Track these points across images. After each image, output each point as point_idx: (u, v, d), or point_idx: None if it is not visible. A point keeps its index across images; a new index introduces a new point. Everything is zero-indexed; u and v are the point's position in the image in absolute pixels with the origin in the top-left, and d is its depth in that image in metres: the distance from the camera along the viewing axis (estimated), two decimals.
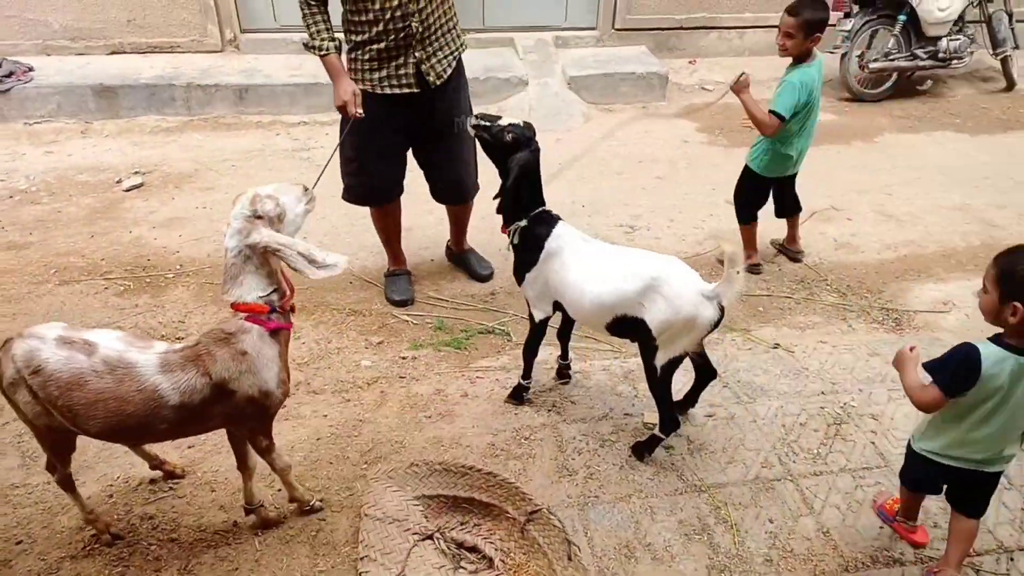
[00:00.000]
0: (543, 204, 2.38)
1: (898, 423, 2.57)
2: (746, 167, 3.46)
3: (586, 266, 2.25)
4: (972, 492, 1.90)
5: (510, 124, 2.31)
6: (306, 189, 1.98)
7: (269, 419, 1.94)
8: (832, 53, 5.75)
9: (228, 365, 1.75)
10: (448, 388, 2.76)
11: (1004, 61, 5.96)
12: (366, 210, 3.28)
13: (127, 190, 4.23)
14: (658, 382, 2.24)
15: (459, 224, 3.49)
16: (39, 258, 3.57)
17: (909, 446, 1.97)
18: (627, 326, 2.21)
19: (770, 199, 3.55)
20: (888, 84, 5.82)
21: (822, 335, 3.13)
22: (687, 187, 4.46)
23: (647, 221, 4.06)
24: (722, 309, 2.13)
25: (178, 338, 3.02)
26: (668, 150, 4.97)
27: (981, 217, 4.15)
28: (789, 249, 3.71)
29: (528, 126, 2.34)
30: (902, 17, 5.51)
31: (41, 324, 1.78)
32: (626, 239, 3.86)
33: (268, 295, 1.82)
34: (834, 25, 5.70)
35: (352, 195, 3.17)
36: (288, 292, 1.90)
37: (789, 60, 3.19)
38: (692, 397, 2.51)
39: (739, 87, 3.15)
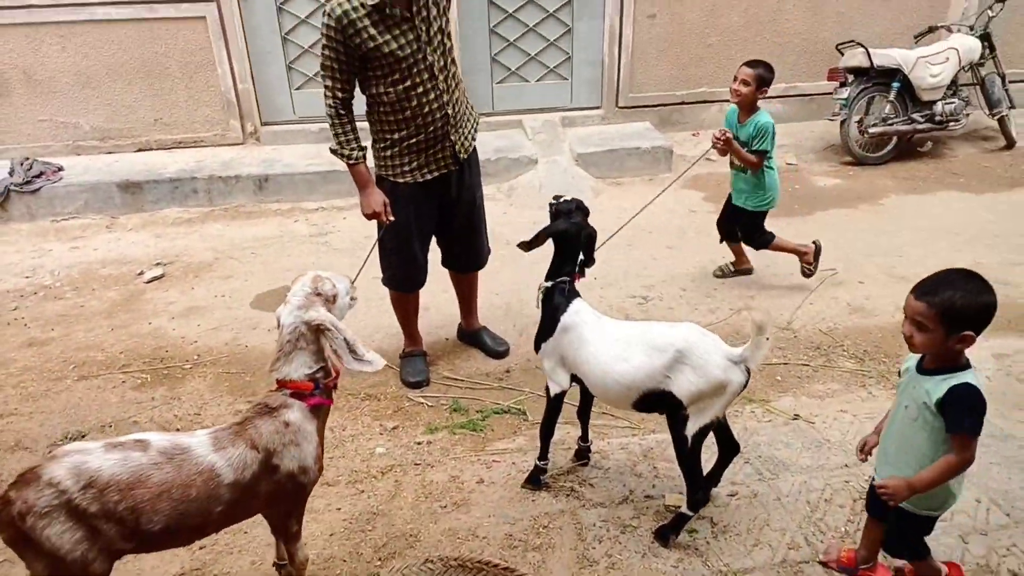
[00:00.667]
0: (569, 275, 2.44)
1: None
2: (741, 210, 3.97)
3: (606, 346, 2.27)
4: None
5: (563, 200, 2.55)
6: (352, 283, 2.10)
7: (304, 500, 1.94)
8: (831, 120, 5.91)
9: (273, 437, 1.78)
10: (464, 474, 2.73)
11: (1001, 121, 6.06)
12: (382, 291, 3.34)
13: (148, 281, 4.35)
14: (688, 453, 2.21)
15: (468, 298, 3.54)
16: (59, 354, 3.64)
17: (924, 520, 1.93)
18: (654, 400, 2.21)
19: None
20: (889, 147, 5.93)
21: (842, 403, 3.08)
22: (698, 256, 4.50)
23: (659, 292, 4.08)
24: (748, 372, 2.15)
25: (192, 431, 3.03)
26: (677, 220, 5.05)
27: (994, 276, 4.03)
28: (741, 269, 4.23)
29: (572, 201, 2.53)
30: (896, 84, 5.67)
31: (64, 447, 1.71)
32: (640, 310, 3.88)
33: (314, 372, 1.87)
34: (831, 94, 5.89)
35: (397, 283, 3.22)
36: (334, 371, 1.93)
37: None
38: (716, 475, 2.46)
39: (723, 148, 3.70)
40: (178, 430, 3.03)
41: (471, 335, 3.61)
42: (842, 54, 5.83)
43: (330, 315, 1.87)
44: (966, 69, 5.89)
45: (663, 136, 6.06)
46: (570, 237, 2.45)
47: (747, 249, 4.18)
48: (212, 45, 5.53)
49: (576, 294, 2.44)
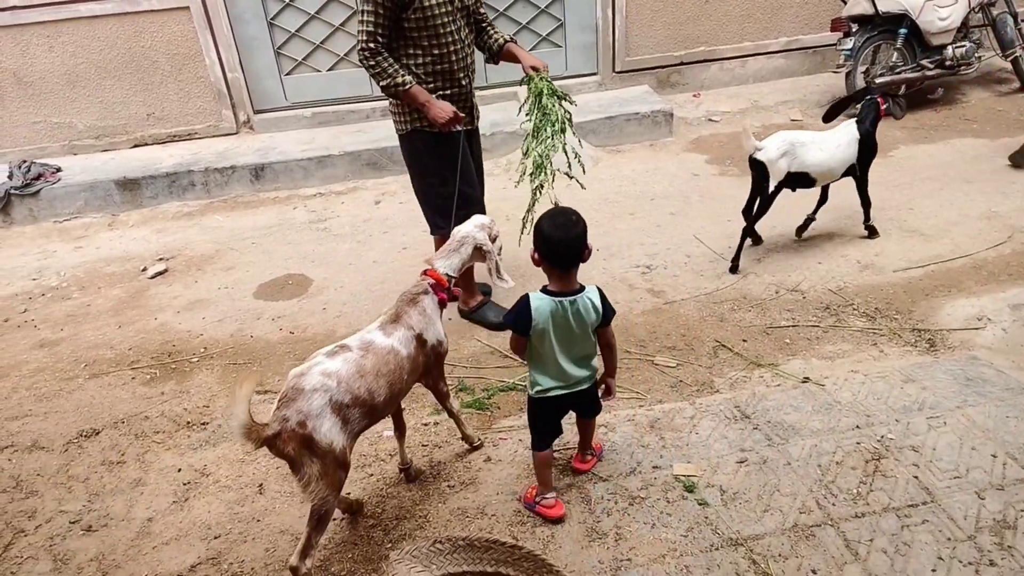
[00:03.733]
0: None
1: (941, 453, 2.44)
2: None
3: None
4: (582, 404, 2.38)
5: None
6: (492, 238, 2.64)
7: (442, 365, 2.47)
8: (836, 72, 5.74)
9: (419, 320, 2.30)
10: (471, 453, 2.72)
11: (1015, 62, 5.85)
12: (383, 279, 3.30)
13: (152, 277, 4.36)
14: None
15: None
16: (70, 353, 3.67)
17: (529, 400, 2.33)
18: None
19: None
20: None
21: (853, 364, 3.02)
22: (702, 221, 4.42)
23: (664, 260, 4.02)
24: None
25: (203, 423, 3.06)
26: (679, 185, 4.95)
27: (1010, 224, 4.01)
28: None
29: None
30: (903, 31, 5.48)
31: (295, 370, 2.07)
32: (643, 280, 3.83)
33: (451, 276, 2.44)
34: (835, 45, 5.71)
35: (448, 226, 3.28)
36: (459, 289, 2.65)
37: None
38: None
39: None
40: (189, 423, 3.06)
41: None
42: (845, 2, 5.63)
43: (490, 243, 2.54)
44: (976, 10, 5.68)
45: (662, 99, 5.93)
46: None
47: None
48: (198, 35, 5.47)
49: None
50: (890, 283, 3.59)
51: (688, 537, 2.24)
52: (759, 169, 3.65)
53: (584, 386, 2.29)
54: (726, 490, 2.41)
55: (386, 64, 2.99)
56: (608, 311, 2.22)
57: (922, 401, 2.69)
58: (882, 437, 2.55)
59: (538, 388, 2.26)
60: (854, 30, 5.53)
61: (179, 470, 2.79)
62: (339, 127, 5.88)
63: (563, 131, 3.11)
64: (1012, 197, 4.28)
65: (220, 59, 5.59)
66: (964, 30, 5.69)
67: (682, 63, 6.29)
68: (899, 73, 5.60)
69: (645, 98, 5.92)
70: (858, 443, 2.53)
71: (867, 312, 3.38)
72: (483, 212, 3.47)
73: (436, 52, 3.06)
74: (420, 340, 2.29)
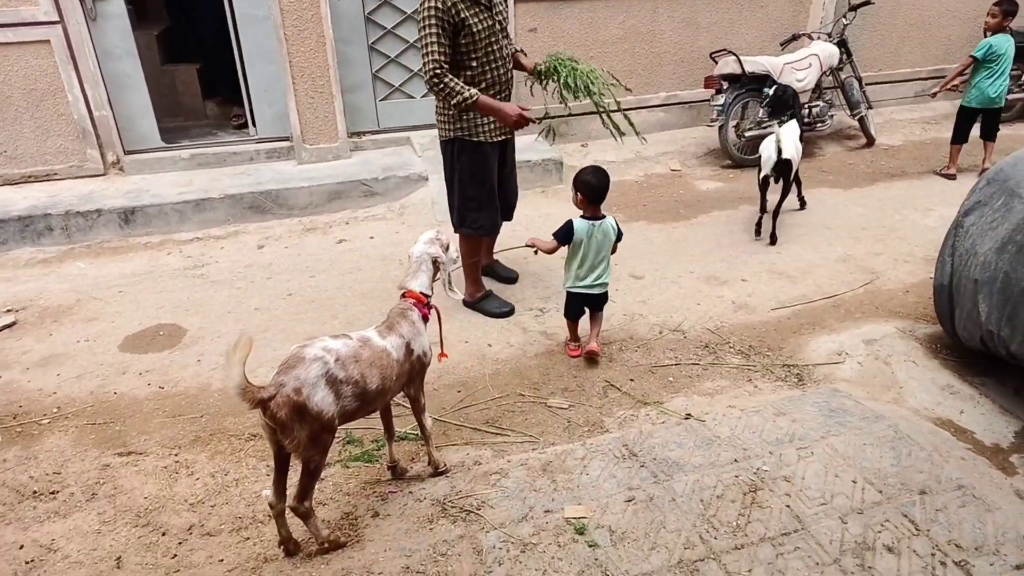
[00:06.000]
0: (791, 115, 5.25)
1: (809, 482, 2.58)
2: (960, 106, 5.71)
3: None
4: (595, 303, 3.49)
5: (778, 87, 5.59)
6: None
7: (423, 377, 2.64)
8: (710, 126, 6.18)
9: (409, 330, 2.49)
10: (358, 510, 2.58)
11: (861, 120, 6.54)
12: (265, 327, 3.13)
13: None
14: None
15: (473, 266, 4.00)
16: None
17: (567, 292, 3.48)
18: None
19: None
20: None
21: (730, 399, 3.16)
22: None
23: (556, 303, 4.08)
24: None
25: (52, 492, 2.74)
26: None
27: (862, 265, 4.41)
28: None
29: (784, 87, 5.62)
30: (767, 90, 5.99)
31: (302, 343, 2.23)
32: (537, 323, 3.87)
33: (425, 292, 2.61)
34: (708, 101, 6.16)
35: (488, 227, 3.81)
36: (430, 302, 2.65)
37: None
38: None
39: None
40: (35, 493, 2.73)
41: (475, 303, 3.98)
42: (716, 62, 6.11)
43: (444, 254, 2.69)
44: (827, 73, 6.32)
45: (553, 148, 6.13)
46: (779, 98, 5.46)
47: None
48: (59, 70, 5.09)
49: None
50: (762, 322, 3.82)
51: None
52: (786, 165, 4.51)
53: (596, 292, 3.41)
54: (615, 530, 2.41)
55: (453, 84, 3.33)
56: (619, 231, 3.36)
57: (792, 433, 2.85)
58: (757, 469, 2.66)
59: (568, 285, 3.44)
60: (725, 87, 6.00)
61: (21, 547, 2.47)
62: (220, 169, 5.62)
63: (594, 82, 3.82)
64: (863, 242, 4.72)
65: (85, 96, 5.22)
66: (818, 91, 6.31)
67: (570, 114, 6.52)
68: (765, 128, 6.10)
69: (536, 147, 6.09)
70: (736, 476, 2.63)
71: (742, 350, 3.56)
72: (511, 214, 4.08)
73: (483, 69, 3.47)
74: (408, 349, 2.47)
